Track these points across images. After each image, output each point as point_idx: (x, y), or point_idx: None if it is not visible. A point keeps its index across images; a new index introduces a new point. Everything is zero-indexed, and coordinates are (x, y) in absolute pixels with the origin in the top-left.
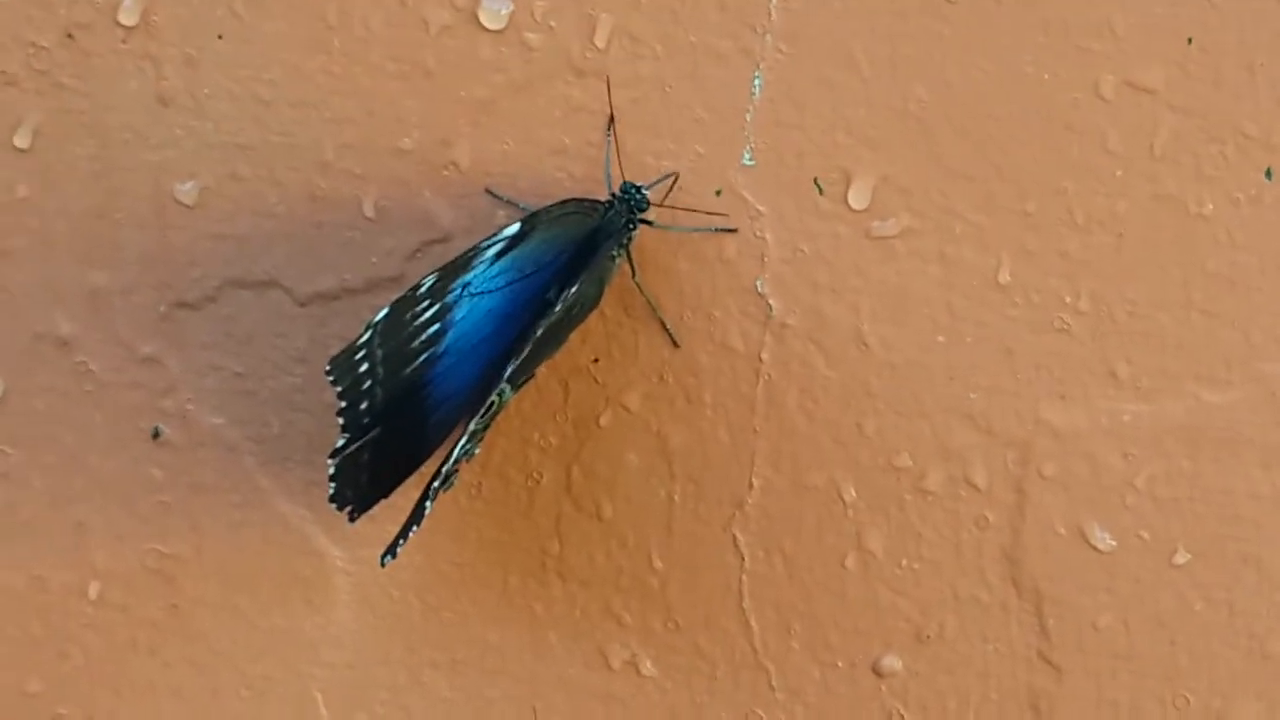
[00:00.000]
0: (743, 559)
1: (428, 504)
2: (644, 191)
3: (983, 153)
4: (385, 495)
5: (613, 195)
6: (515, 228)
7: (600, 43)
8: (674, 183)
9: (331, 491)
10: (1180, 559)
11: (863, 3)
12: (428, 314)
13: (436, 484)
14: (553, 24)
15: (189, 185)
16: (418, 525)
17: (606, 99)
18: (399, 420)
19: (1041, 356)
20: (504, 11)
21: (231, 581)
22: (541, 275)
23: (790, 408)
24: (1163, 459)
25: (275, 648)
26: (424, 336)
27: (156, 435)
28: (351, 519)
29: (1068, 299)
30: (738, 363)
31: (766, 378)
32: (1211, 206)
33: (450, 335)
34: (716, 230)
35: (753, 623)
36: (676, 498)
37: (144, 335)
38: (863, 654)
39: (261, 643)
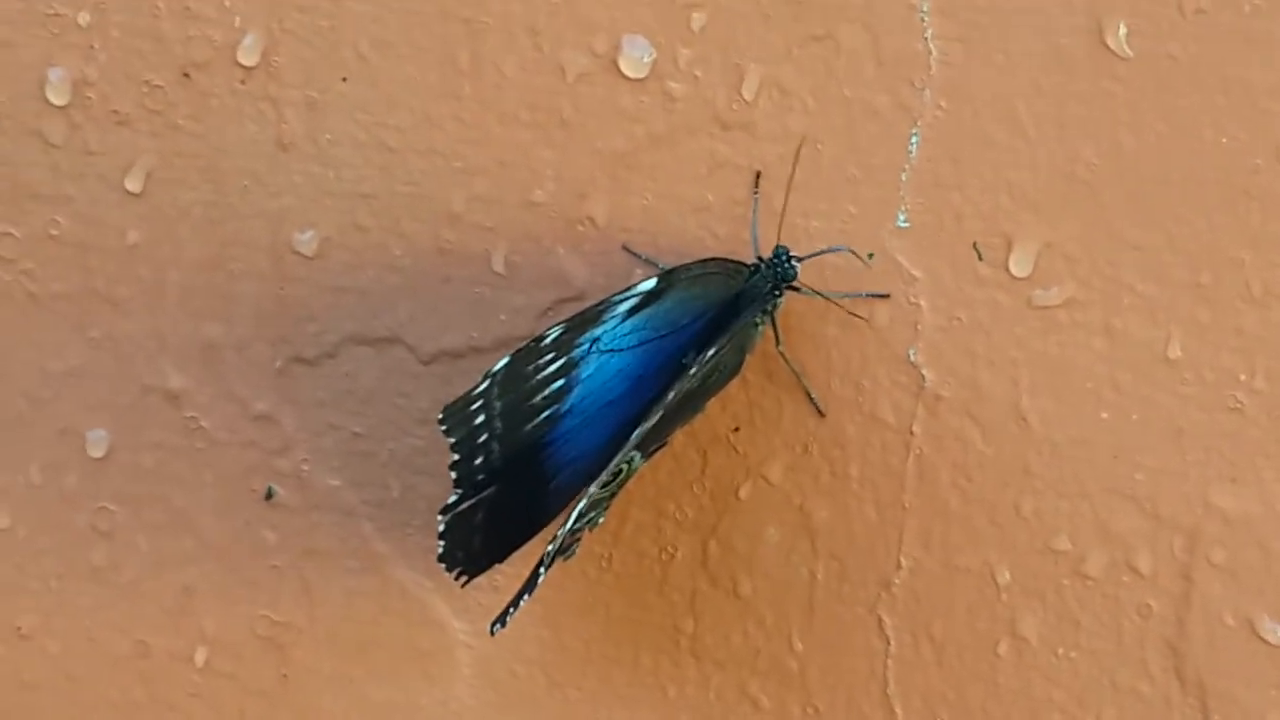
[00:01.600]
0: (888, 643)
1: (542, 571)
2: (795, 261)
3: (1154, 220)
4: (499, 560)
5: (759, 259)
6: (652, 283)
7: (748, 94)
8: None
9: (440, 550)
10: None
11: (1028, 58)
12: (552, 367)
13: (552, 549)
14: (698, 73)
15: (308, 235)
16: (530, 594)
17: (754, 155)
18: (517, 480)
19: (1213, 437)
20: (646, 59)
21: (345, 651)
22: (678, 337)
23: (942, 484)
24: None
25: None
26: (547, 392)
27: (270, 496)
28: (461, 582)
29: (1242, 377)
30: (887, 435)
31: (918, 452)
32: None
33: (576, 393)
34: (867, 296)
35: (898, 710)
36: (819, 576)
37: (258, 391)
38: None
39: (376, 717)
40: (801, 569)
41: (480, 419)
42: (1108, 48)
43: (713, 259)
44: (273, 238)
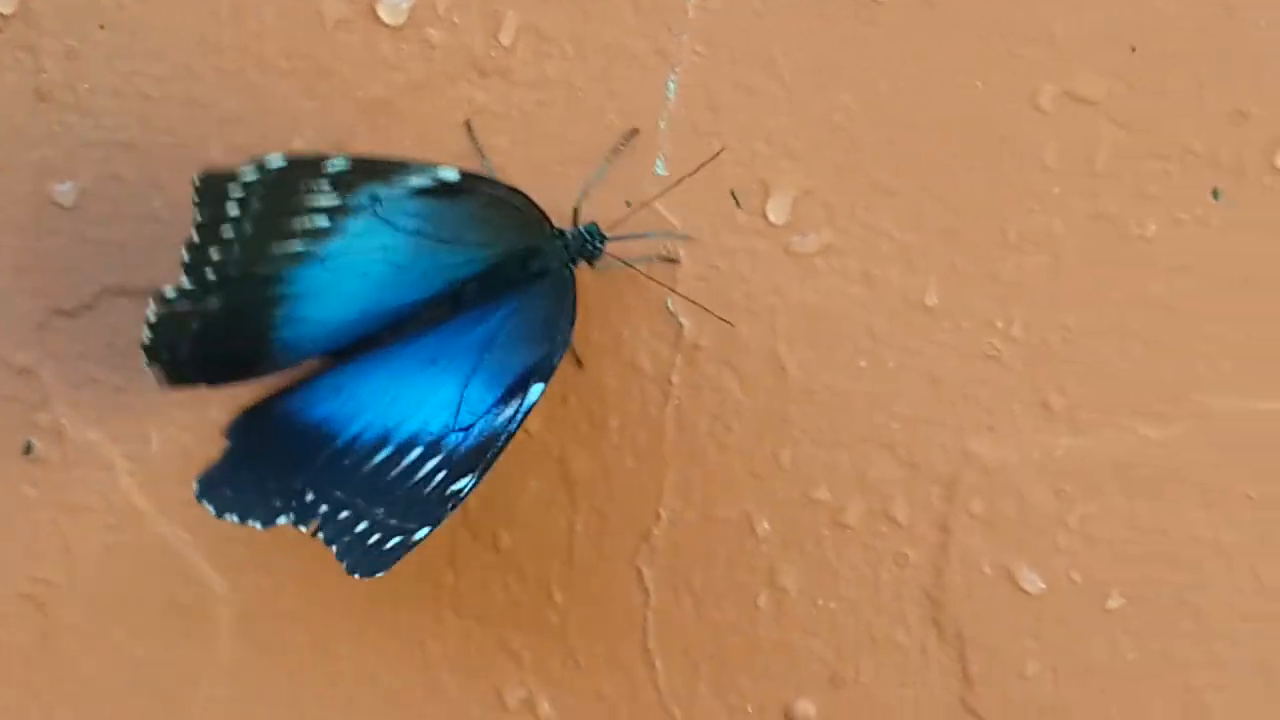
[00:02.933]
0: (648, 595)
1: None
2: (603, 243)
3: (911, 167)
4: (203, 382)
5: (562, 231)
6: (453, 174)
7: (506, 40)
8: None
9: (146, 340)
10: (1113, 604)
11: (785, 4)
12: (325, 200)
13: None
14: (456, 20)
15: (67, 186)
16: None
17: (512, 102)
18: (241, 307)
19: (969, 385)
20: (404, 6)
21: (107, 609)
22: (454, 255)
23: (701, 434)
24: (1097, 497)
25: (153, 680)
26: (309, 224)
27: (29, 451)
28: (159, 381)
29: (999, 324)
30: (646, 385)
31: (677, 402)
32: (1154, 228)
33: (335, 244)
34: (661, 260)
35: (658, 663)
36: (579, 528)
37: (18, 345)
38: (774, 699)
39: (138, 675)
40: (561, 521)
41: (235, 210)
42: None
43: (521, 194)
44: (31, 189)
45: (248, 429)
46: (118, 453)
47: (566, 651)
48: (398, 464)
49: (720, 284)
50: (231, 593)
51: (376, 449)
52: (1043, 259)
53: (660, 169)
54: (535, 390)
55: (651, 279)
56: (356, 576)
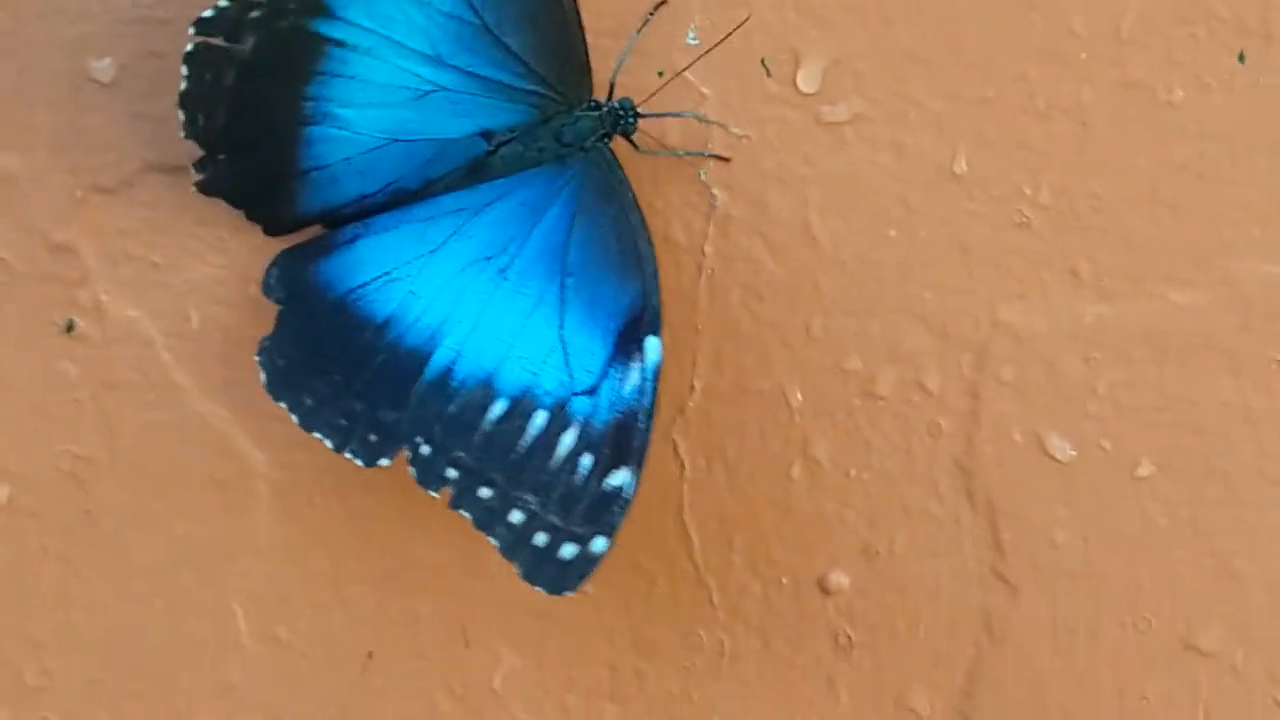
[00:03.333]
0: (683, 467)
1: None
2: (636, 118)
3: (940, 34)
4: (229, 186)
5: (596, 100)
6: None
7: None
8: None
9: (183, 83)
10: (1143, 471)
11: None
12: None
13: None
14: None
15: (105, 63)
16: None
17: None
18: (273, 65)
19: (999, 254)
20: None
21: (147, 485)
22: (492, 74)
23: (734, 305)
24: (1126, 364)
25: (192, 556)
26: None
27: (70, 329)
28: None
29: (1028, 192)
30: (680, 256)
31: (709, 273)
32: (1181, 93)
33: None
34: (709, 156)
35: (693, 536)
36: None
37: (57, 222)
38: (808, 570)
39: (178, 551)
40: None
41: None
42: None
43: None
44: (70, 66)
45: (293, 296)
46: (157, 330)
47: None
48: (522, 431)
49: (751, 154)
50: (271, 469)
51: (484, 400)
52: (1071, 126)
53: (691, 38)
54: (653, 347)
55: (688, 154)
56: (541, 591)
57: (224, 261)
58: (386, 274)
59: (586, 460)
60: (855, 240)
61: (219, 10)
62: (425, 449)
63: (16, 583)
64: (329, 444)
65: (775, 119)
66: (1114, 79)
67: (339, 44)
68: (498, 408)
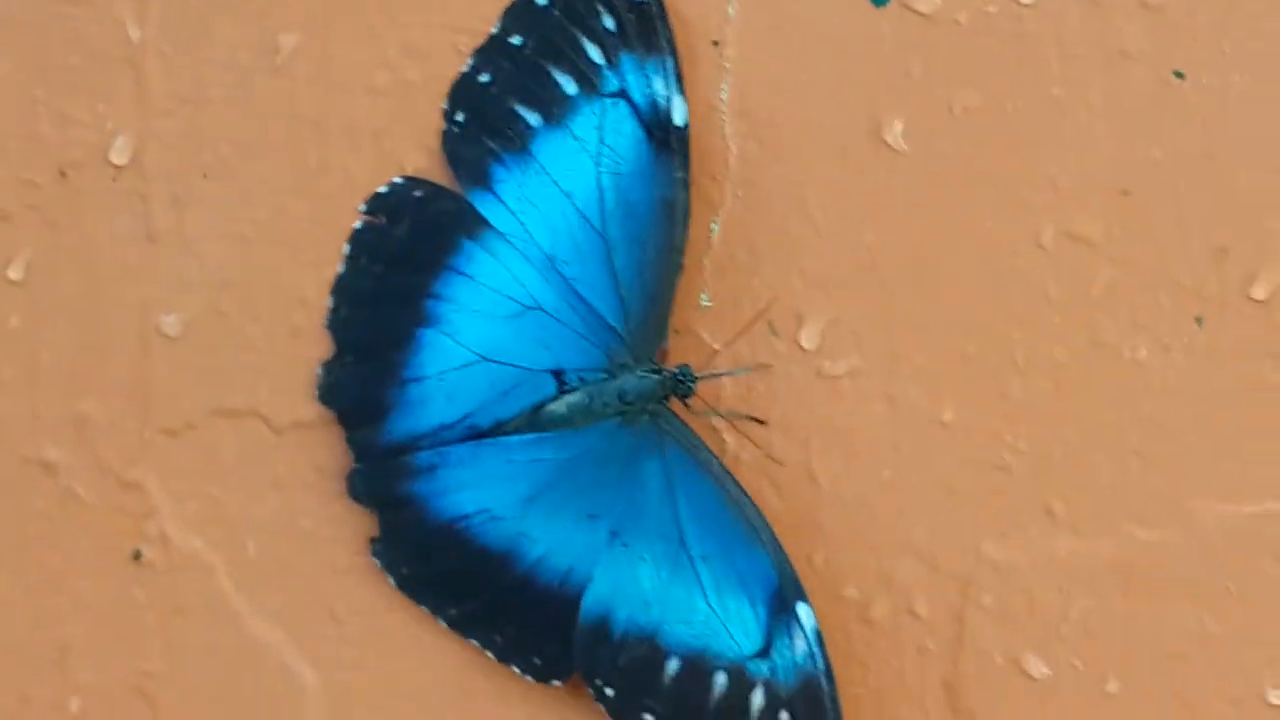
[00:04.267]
0: None
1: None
2: (695, 383)
3: (929, 298)
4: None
5: (660, 368)
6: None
7: None
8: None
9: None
10: (1111, 688)
11: (816, 153)
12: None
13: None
14: None
15: (173, 319)
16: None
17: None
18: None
19: (982, 494)
20: None
21: (207, 699)
22: (584, 297)
23: None
24: (1095, 594)
25: None
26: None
27: (138, 557)
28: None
29: (1008, 439)
30: None
31: None
32: (1145, 353)
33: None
34: (747, 418)
35: None
36: None
37: (127, 461)
38: None
39: None
40: None
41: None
42: (885, 144)
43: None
44: (141, 322)
45: (385, 507)
46: (218, 558)
47: None
48: (708, 690)
49: (758, 403)
50: (322, 687)
51: (654, 656)
52: (1046, 381)
53: (705, 301)
54: (806, 614)
55: (731, 415)
56: None
57: (278, 498)
58: (486, 511)
59: (784, 717)
60: (852, 482)
61: (392, 187)
62: (610, 691)
63: None
64: (489, 654)
65: (780, 372)
66: (1084, 340)
67: (481, 227)
68: (673, 665)
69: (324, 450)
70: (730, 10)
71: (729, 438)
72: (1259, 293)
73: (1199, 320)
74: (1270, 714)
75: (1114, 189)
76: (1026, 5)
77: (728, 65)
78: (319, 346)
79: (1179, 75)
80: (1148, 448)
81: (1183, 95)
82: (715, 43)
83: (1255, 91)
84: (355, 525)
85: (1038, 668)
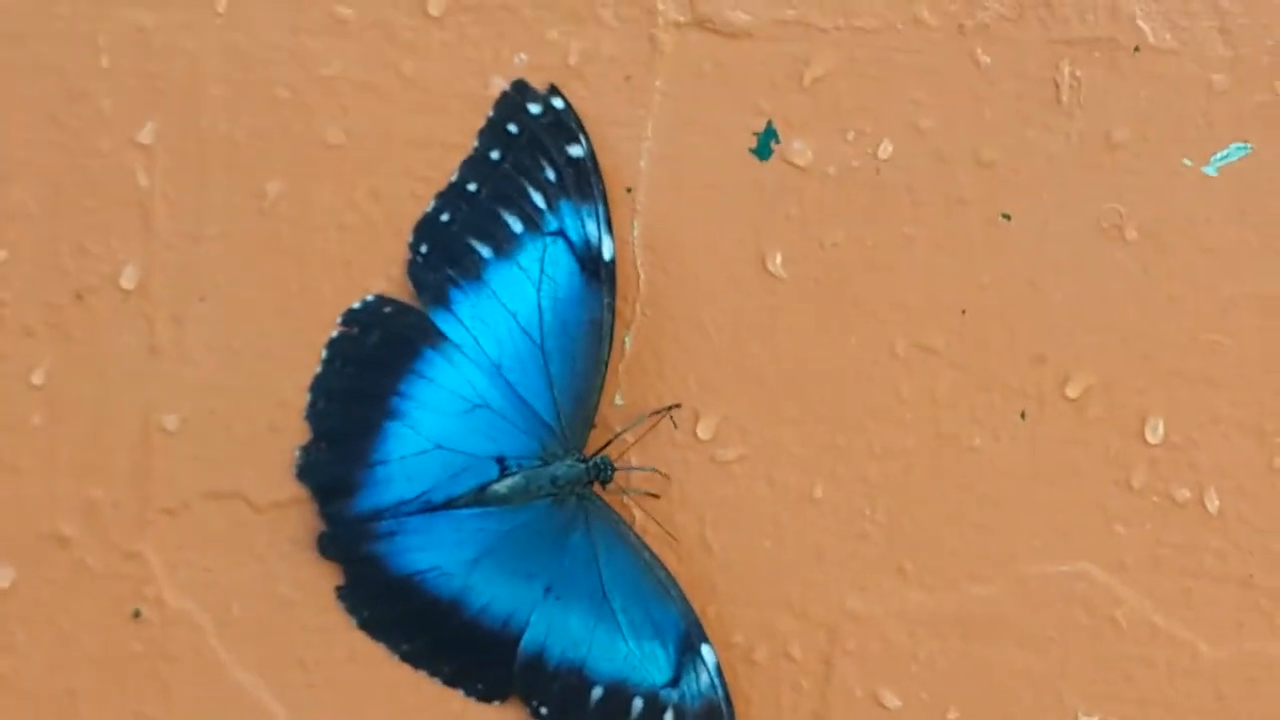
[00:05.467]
0: None
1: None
2: (614, 472)
3: (803, 398)
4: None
5: (585, 459)
6: (609, 252)
7: None
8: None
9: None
10: (952, 716)
11: (711, 279)
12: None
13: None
14: None
15: (171, 417)
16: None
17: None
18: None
19: (845, 557)
20: None
21: None
22: (529, 393)
23: None
24: (939, 638)
25: None
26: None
27: (137, 616)
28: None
29: (867, 512)
30: None
31: None
32: (979, 441)
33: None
34: (647, 494)
35: None
36: None
37: (130, 536)
38: None
39: None
40: None
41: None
42: (769, 271)
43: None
44: (144, 420)
45: (349, 561)
46: (206, 617)
47: None
48: (627, 713)
49: (662, 484)
50: None
51: (582, 685)
52: (899, 465)
53: (619, 401)
54: (708, 653)
55: (633, 493)
56: None
57: (258, 566)
58: (438, 568)
59: None
60: (739, 548)
61: (364, 304)
62: (544, 710)
63: None
64: (438, 681)
65: (680, 459)
66: (930, 431)
67: (439, 339)
68: (598, 691)
69: (297, 526)
70: (641, 164)
71: (639, 513)
72: (1072, 392)
73: (1023, 415)
74: None
75: (954, 309)
76: (884, 160)
77: (639, 208)
78: (295, 438)
79: (1006, 217)
80: (981, 519)
81: (1009, 233)
82: (629, 189)
83: (1067, 230)
84: (322, 590)
85: (891, 700)
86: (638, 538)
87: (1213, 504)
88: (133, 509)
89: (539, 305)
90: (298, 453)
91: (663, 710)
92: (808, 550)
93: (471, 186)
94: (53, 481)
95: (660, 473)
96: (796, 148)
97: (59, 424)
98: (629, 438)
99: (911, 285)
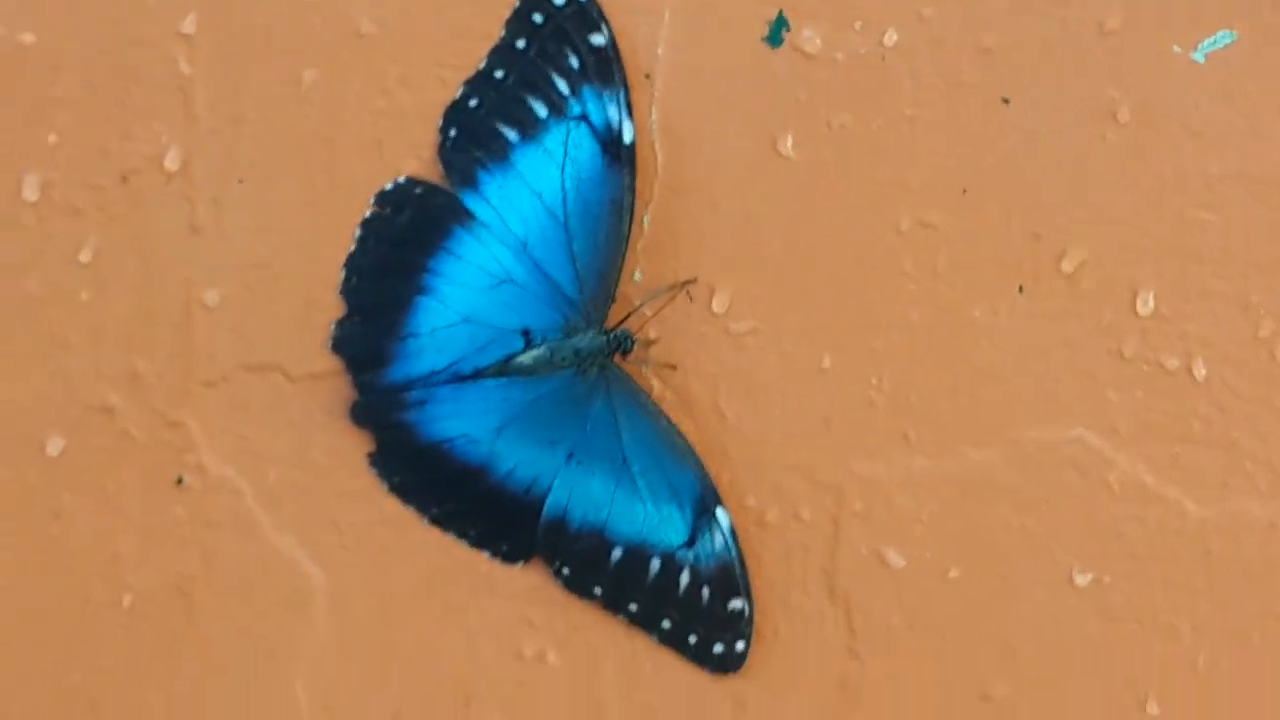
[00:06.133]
0: None
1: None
2: (633, 344)
3: (812, 273)
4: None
5: (608, 331)
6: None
7: None
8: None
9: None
10: (953, 574)
11: (725, 161)
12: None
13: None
14: None
15: (212, 294)
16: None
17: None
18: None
19: (853, 424)
20: None
21: (235, 597)
22: (556, 268)
23: None
24: (940, 500)
25: (270, 648)
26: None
27: (180, 482)
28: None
29: (873, 381)
30: None
31: None
32: (978, 314)
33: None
34: (663, 365)
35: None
36: None
37: (173, 406)
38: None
39: (259, 645)
40: None
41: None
42: (779, 153)
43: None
44: (186, 297)
45: (381, 429)
46: (245, 483)
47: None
48: (645, 571)
49: (678, 356)
50: (328, 583)
51: (603, 545)
52: (903, 337)
53: (637, 277)
54: (723, 515)
55: (653, 364)
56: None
57: (293, 434)
58: (466, 436)
59: (705, 592)
60: (751, 416)
61: (396, 185)
62: (566, 570)
63: (136, 668)
64: (464, 543)
65: (695, 332)
66: (932, 305)
67: (468, 219)
68: (617, 552)
69: (331, 396)
70: (659, 51)
71: (657, 383)
72: (1067, 267)
73: (1020, 289)
74: (1075, 593)
75: (955, 188)
76: (889, 47)
77: (657, 94)
78: (330, 313)
79: (1005, 101)
80: (980, 388)
81: (1008, 116)
82: (647, 75)
83: (1062, 114)
84: (355, 457)
85: (895, 559)
86: (656, 406)
87: (1200, 372)
88: (175, 380)
89: (562, 186)
90: (333, 326)
91: (679, 570)
92: (816, 418)
93: (499, 74)
94: (99, 355)
95: (680, 344)
96: (806, 35)
97: (105, 300)
98: (647, 311)
99: (914, 166)
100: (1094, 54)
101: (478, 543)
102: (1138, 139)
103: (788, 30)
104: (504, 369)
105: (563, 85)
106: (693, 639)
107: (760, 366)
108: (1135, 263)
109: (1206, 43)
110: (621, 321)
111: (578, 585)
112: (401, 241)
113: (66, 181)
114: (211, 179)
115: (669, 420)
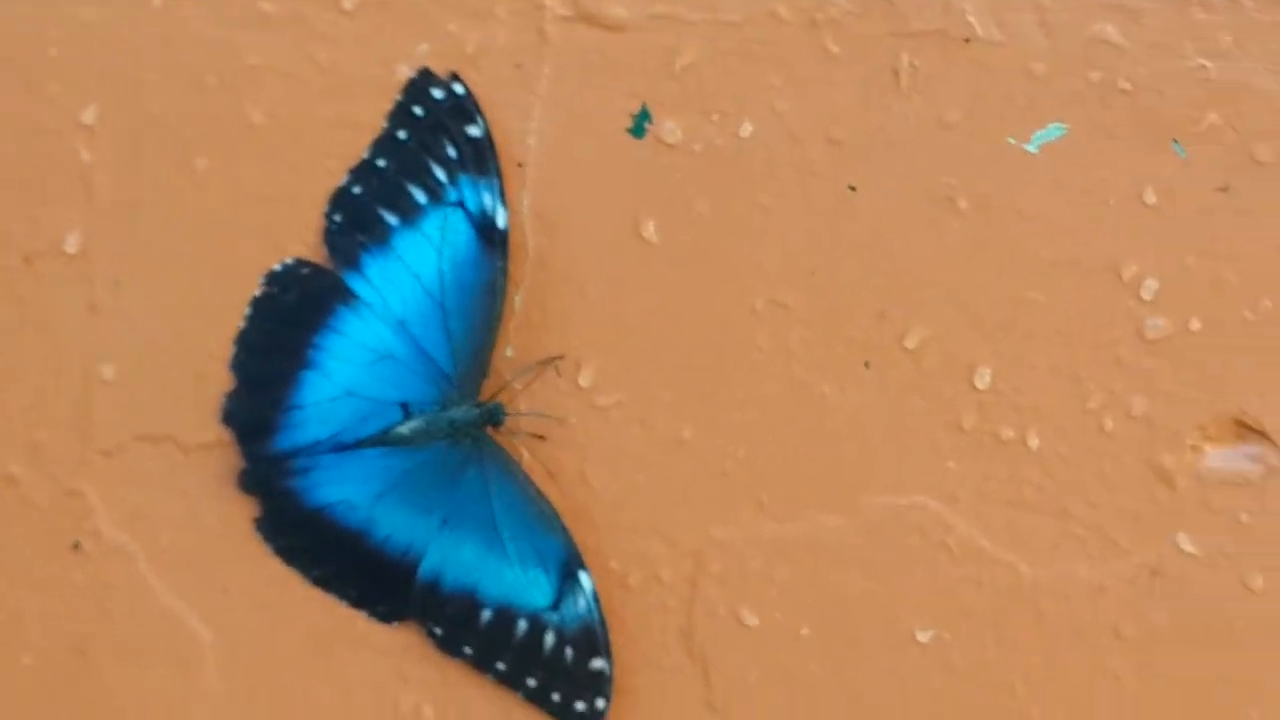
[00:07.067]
0: None
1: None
2: (505, 416)
3: (673, 350)
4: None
5: (480, 403)
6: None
7: None
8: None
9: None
10: (804, 632)
11: (591, 245)
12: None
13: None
14: None
15: (109, 368)
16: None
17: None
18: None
19: (710, 491)
20: None
21: (128, 655)
22: (433, 346)
23: None
24: (792, 563)
25: (160, 704)
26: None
27: (77, 547)
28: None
29: (729, 450)
30: None
31: None
32: (828, 389)
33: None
34: (530, 435)
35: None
36: None
37: (72, 475)
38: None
39: (149, 701)
40: None
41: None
42: (643, 238)
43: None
44: (85, 371)
45: (266, 496)
46: (138, 547)
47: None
48: (512, 633)
49: (547, 427)
50: (216, 642)
51: (473, 607)
52: (758, 409)
53: (509, 353)
54: (585, 579)
55: (522, 434)
56: None
57: (185, 502)
58: (347, 502)
59: (569, 652)
60: (615, 484)
61: (284, 266)
62: (439, 631)
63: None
64: (344, 603)
65: (563, 405)
66: (785, 379)
67: (351, 298)
68: (487, 614)
69: (221, 465)
70: (530, 142)
71: (526, 452)
72: (910, 344)
73: (867, 364)
74: (918, 649)
75: (806, 270)
76: (745, 139)
77: (528, 181)
78: (220, 387)
79: (852, 189)
80: (829, 458)
81: (855, 203)
82: (520, 164)
83: (905, 201)
84: (242, 523)
85: (750, 619)
86: (526, 475)
87: (1033, 442)
88: (74, 450)
89: (440, 268)
90: (223, 399)
91: (544, 630)
92: (676, 486)
93: (381, 162)
94: (2, 426)
95: (549, 416)
96: (668, 128)
97: (8, 374)
98: (518, 385)
99: (768, 249)
100: (935, 146)
101: (357, 603)
102: (975, 225)
103: (650, 123)
104: (384, 439)
105: (441, 174)
106: (556, 697)
107: (624, 437)
108: (973, 340)
109: (1039, 134)
110: (494, 395)
111: (449, 645)
112: (289, 319)
113: None
114: (110, 261)
115: (537, 489)
